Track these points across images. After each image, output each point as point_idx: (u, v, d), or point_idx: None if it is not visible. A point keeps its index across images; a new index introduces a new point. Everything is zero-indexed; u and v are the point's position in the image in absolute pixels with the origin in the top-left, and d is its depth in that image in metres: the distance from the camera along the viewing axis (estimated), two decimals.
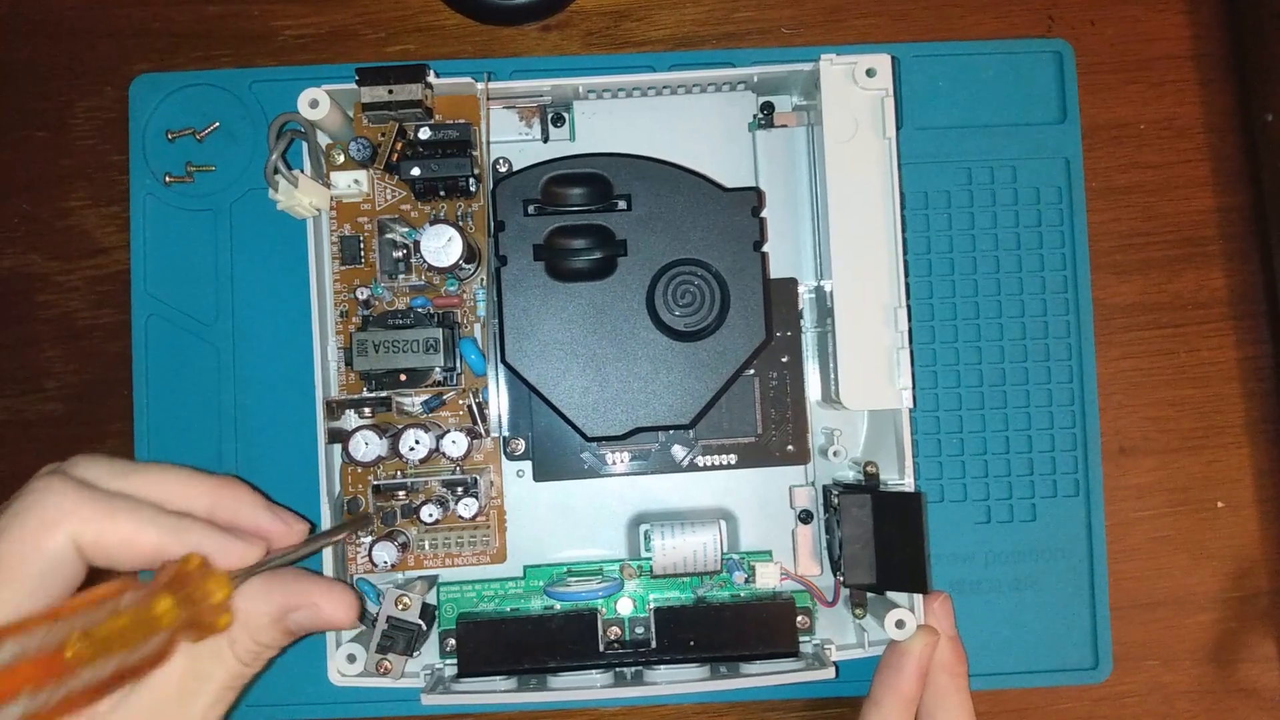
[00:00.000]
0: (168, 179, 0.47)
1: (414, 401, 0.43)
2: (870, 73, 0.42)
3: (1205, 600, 0.49)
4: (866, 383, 0.41)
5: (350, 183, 0.43)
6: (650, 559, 0.44)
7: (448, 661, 0.44)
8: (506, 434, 0.44)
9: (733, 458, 0.45)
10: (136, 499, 0.30)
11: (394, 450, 0.42)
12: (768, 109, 0.46)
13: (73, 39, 0.49)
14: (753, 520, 0.46)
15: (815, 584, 0.45)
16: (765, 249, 0.45)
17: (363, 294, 0.43)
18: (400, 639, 0.41)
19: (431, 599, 0.44)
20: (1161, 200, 0.50)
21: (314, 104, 0.42)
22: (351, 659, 0.43)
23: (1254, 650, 0.49)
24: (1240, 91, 0.50)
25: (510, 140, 0.46)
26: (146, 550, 0.29)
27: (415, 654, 0.42)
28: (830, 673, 0.42)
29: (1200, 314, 0.50)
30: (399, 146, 0.42)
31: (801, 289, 0.45)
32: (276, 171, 0.42)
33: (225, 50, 0.49)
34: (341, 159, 0.43)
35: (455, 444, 0.42)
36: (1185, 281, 0.50)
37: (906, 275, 0.44)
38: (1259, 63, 0.49)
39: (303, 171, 0.43)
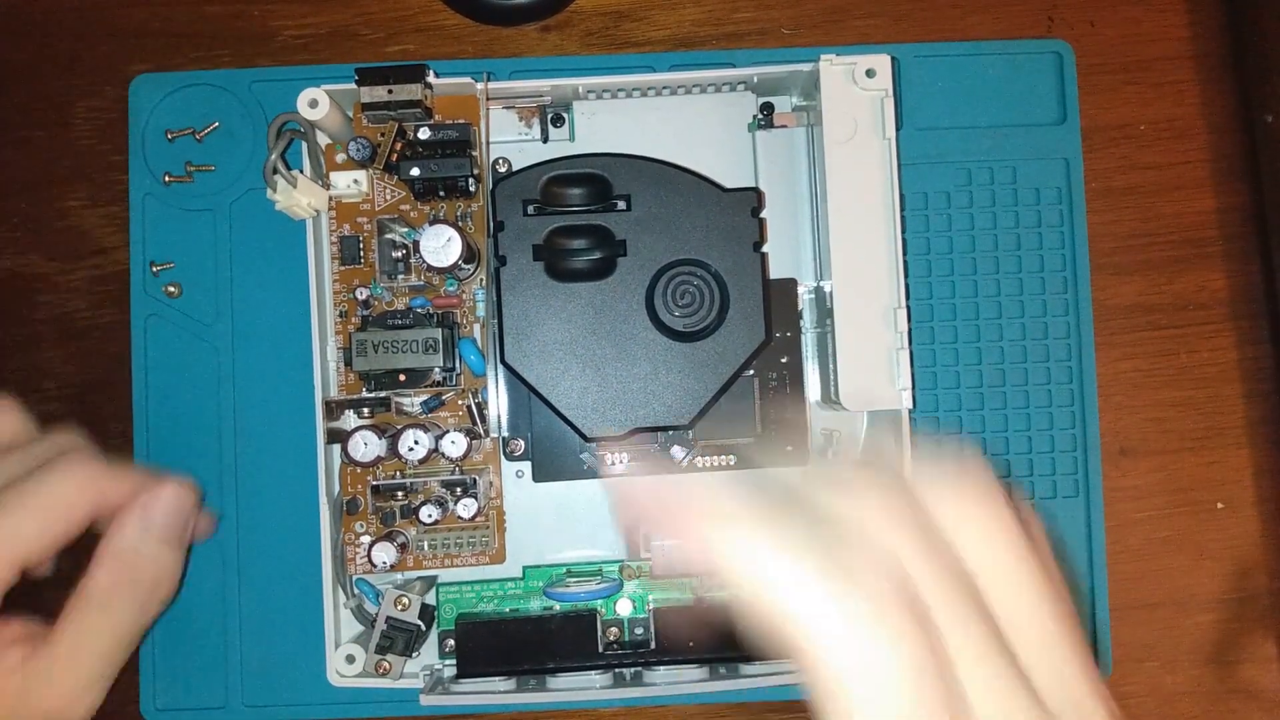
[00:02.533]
0: (167, 179, 0.47)
1: (413, 402, 0.43)
2: (870, 73, 0.42)
3: (1205, 601, 0.49)
4: (866, 384, 0.41)
5: (349, 183, 0.43)
6: (650, 560, 0.44)
7: (447, 662, 0.44)
8: (506, 434, 0.44)
9: (732, 458, 0.45)
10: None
11: (393, 450, 0.42)
12: (767, 109, 0.46)
13: (73, 39, 0.49)
14: None
15: None
16: (765, 249, 0.45)
17: (362, 294, 0.43)
18: (399, 639, 0.41)
19: (430, 599, 0.44)
20: (1161, 201, 0.50)
21: (313, 104, 0.42)
22: (350, 659, 0.43)
23: (1254, 651, 0.49)
24: (1240, 91, 0.50)
25: (510, 140, 0.46)
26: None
27: (414, 654, 0.42)
28: None
29: (1201, 315, 0.50)
30: (398, 146, 0.42)
31: (801, 289, 0.45)
32: (275, 171, 0.42)
33: (225, 50, 0.49)
34: (341, 158, 0.43)
35: (454, 444, 0.42)
36: (1186, 282, 0.50)
37: (906, 275, 0.44)
38: (1259, 63, 0.49)
39: (302, 172, 0.43)
